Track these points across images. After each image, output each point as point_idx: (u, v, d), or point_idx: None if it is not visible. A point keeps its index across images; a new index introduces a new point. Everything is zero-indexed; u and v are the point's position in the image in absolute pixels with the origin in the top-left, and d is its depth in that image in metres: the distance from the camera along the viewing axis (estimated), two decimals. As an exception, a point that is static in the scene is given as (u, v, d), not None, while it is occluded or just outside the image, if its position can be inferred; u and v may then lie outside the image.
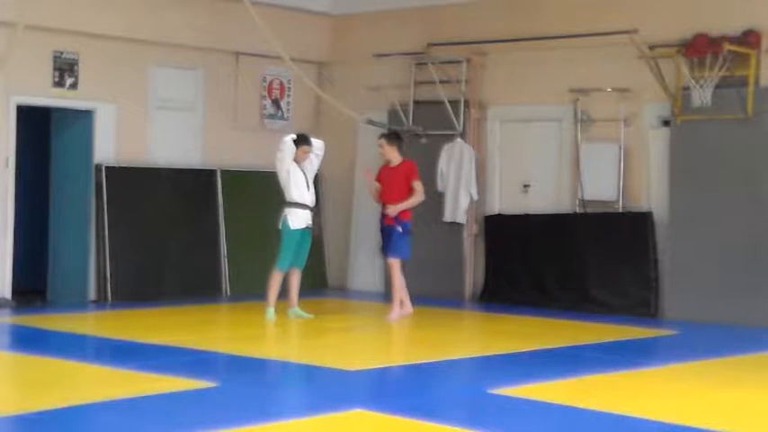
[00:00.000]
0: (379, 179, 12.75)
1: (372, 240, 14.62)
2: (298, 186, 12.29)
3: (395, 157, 12.63)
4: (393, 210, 12.41)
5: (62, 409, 7.58)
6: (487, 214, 14.86)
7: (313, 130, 15.88)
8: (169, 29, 14.45)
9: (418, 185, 12.52)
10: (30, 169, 14.23)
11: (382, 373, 9.57)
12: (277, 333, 11.92)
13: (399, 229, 12.47)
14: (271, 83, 15.85)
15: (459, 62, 14.90)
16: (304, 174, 12.38)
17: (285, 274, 12.44)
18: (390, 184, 12.59)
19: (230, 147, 15.29)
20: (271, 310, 12.26)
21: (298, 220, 12.31)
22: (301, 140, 12.44)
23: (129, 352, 10.17)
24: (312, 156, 12.52)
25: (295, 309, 12.49)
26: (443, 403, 8.38)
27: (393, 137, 12.79)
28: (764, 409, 8.33)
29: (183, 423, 7.34)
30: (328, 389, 8.84)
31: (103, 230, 13.85)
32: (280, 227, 12.37)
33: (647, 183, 13.70)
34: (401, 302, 12.64)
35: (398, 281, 12.52)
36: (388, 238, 12.52)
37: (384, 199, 12.61)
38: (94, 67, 13.90)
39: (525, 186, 14.70)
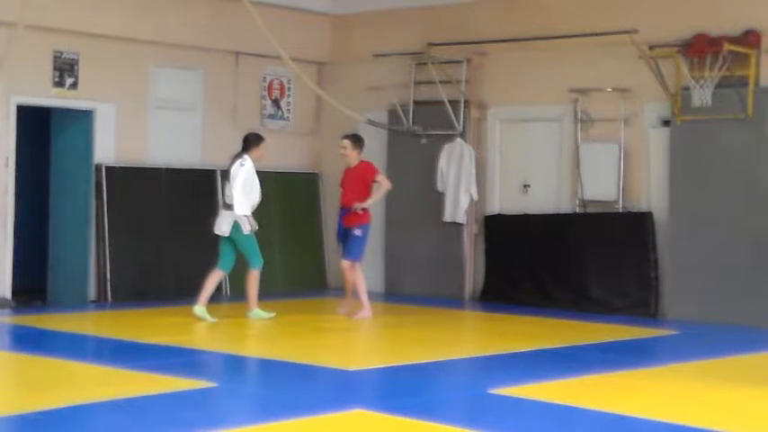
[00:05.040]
0: (342, 184, 12.87)
1: (372, 240, 14.62)
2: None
3: (355, 158, 12.72)
4: (360, 205, 12.53)
5: (62, 409, 7.58)
6: (487, 214, 14.86)
7: (313, 130, 15.94)
8: (169, 29, 14.45)
9: (383, 178, 12.67)
10: (30, 169, 14.24)
11: (382, 373, 9.57)
12: (276, 333, 11.92)
13: (358, 232, 12.58)
14: (271, 83, 15.86)
15: (459, 62, 14.90)
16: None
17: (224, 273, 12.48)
18: (350, 185, 12.74)
19: (230, 147, 15.21)
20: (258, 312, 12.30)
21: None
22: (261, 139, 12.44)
23: (129, 352, 10.17)
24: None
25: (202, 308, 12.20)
26: (443, 403, 8.39)
27: (358, 139, 12.85)
28: (764, 409, 8.33)
29: (183, 423, 7.34)
30: (328, 389, 8.85)
31: (103, 230, 13.85)
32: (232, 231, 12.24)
33: (647, 183, 13.70)
34: (348, 305, 12.88)
35: (362, 280, 12.66)
36: (346, 240, 12.66)
37: (344, 201, 12.75)
38: (94, 67, 13.91)
39: (525, 186, 14.70)
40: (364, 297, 12.65)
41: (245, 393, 8.35)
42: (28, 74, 13.38)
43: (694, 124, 13.13)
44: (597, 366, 9.79)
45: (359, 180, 12.67)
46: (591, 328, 12.33)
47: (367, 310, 12.61)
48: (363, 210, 12.63)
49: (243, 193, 12.07)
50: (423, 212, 15.12)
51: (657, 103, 13.53)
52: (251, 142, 12.38)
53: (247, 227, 12.13)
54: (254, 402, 8.09)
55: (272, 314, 12.29)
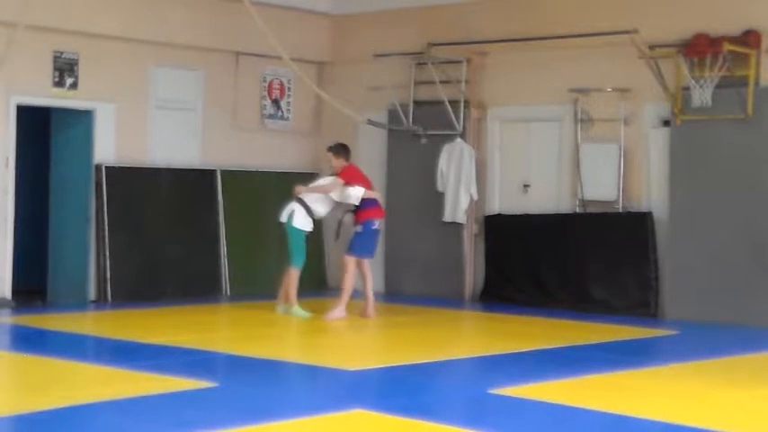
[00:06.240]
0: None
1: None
2: None
3: (340, 166, 12.82)
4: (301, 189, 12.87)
5: (62, 409, 7.58)
6: (487, 214, 14.86)
7: (313, 131, 15.93)
8: (169, 29, 14.45)
9: (337, 180, 12.71)
10: (30, 169, 14.23)
11: (382, 373, 9.57)
12: (277, 333, 11.92)
13: (358, 228, 12.69)
14: (271, 83, 15.86)
15: (459, 62, 14.90)
16: None
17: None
18: None
19: (230, 147, 15.29)
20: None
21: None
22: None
23: (129, 352, 10.18)
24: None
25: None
26: (443, 403, 8.39)
27: (340, 149, 12.91)
28: (764, 409, 8.34)
29: (183, 423, 7.34)
30: (328, 389, 8.85)
31: (103, 230, 13.85)
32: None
33: (647, 183, 13.70)
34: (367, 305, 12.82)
35: (350, 281, 12.65)
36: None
37: None
38: (94, 67, 13.91)
39: (525, 186, 14.70)
40: (345, 296, 12.60)
41: (245, 393, 8.35)
42: (28, 74, 13.37)
43: (694, 124, 13.13)
44: (597, 366, 9.80)
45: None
46: (591, 328, 12.33)
47: (340, 310, 12.57)
48: (359, 208, 12.69)
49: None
50: (423, 212, 15.12)
51: (657, 103, 13.53)
52: None
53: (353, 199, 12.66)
54: (254, 402, 8.09)
55: (310, 314, 12.58)
